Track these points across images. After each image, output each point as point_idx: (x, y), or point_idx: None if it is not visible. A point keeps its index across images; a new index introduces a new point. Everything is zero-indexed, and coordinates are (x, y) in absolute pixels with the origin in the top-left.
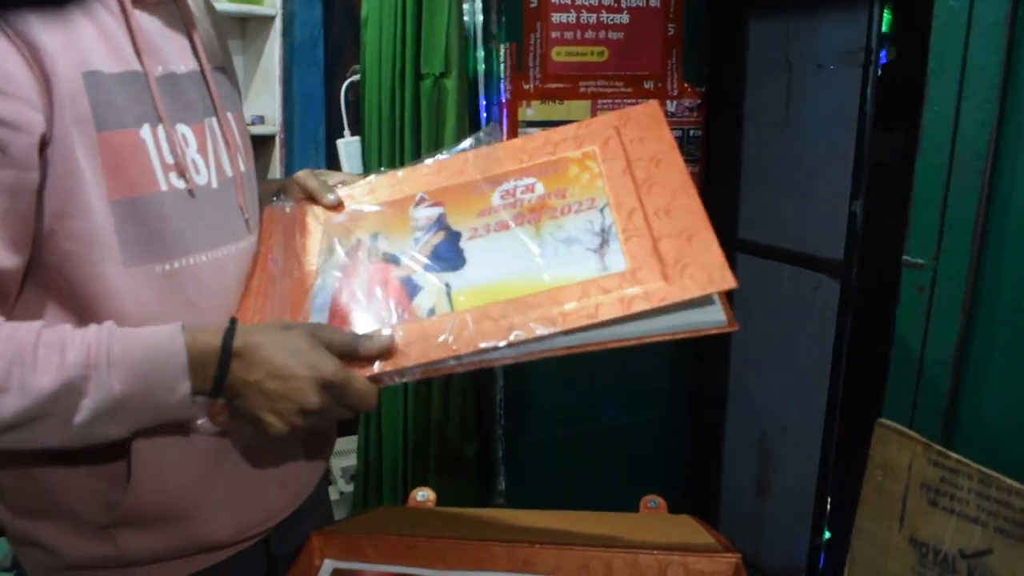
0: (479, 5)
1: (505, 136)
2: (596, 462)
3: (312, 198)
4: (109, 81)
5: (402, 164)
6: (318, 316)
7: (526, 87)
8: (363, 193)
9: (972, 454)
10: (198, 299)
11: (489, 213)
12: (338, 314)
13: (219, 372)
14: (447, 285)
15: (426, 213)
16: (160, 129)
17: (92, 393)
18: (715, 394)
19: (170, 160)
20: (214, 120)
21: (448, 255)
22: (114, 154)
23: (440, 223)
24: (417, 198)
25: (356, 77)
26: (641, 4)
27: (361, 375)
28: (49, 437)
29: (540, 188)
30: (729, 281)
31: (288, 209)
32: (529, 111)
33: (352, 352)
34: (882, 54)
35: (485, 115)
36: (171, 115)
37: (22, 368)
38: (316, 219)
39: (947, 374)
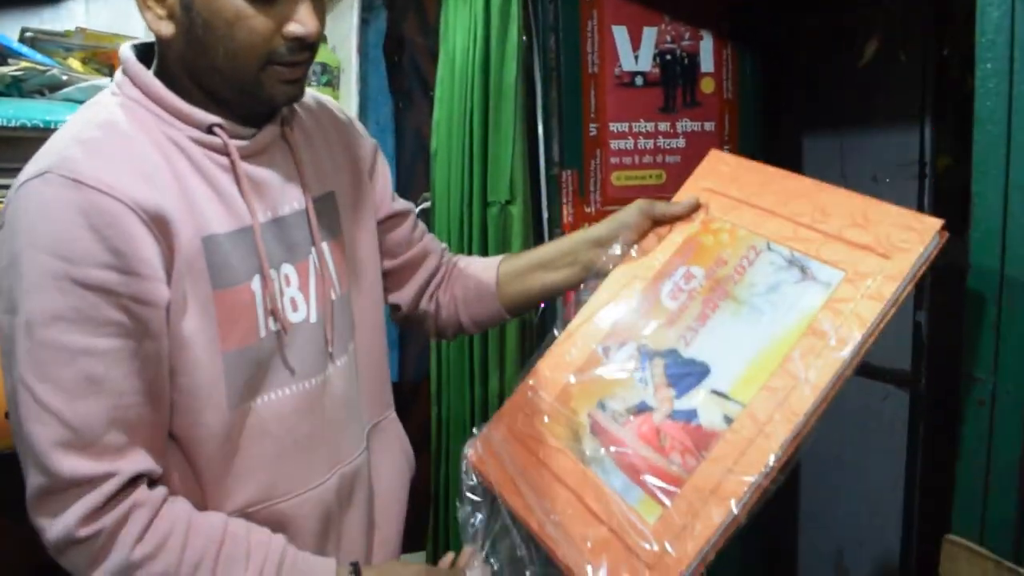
0: (541, 135)
1: None
2: None
3: (665, 221)
4: (224, 241)
5: None
6: (632, 497)
7: (587, 210)
8: (543, 387)
9: None
10: (278, 429)
11: (677, 319)
12: (646, 482)
13: None
14: (715, 392)
15: (625, 353)
16: (271, 275)
17: None
18: (788, 509)
19: (270, 306)
20: (315, 253)
21: (686, 371)
22: (229, 309)
23: (644, 353)
24: (600, 351)
25: (427, 204)
26: (696, 128)
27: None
28: None
29: (698, 271)
30: (933, 222)
31: (479, 439)
32: None
33: None
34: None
35: (548, 238)
36: (276, 258)
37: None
38: (516, 443)
39: (1013, 487)
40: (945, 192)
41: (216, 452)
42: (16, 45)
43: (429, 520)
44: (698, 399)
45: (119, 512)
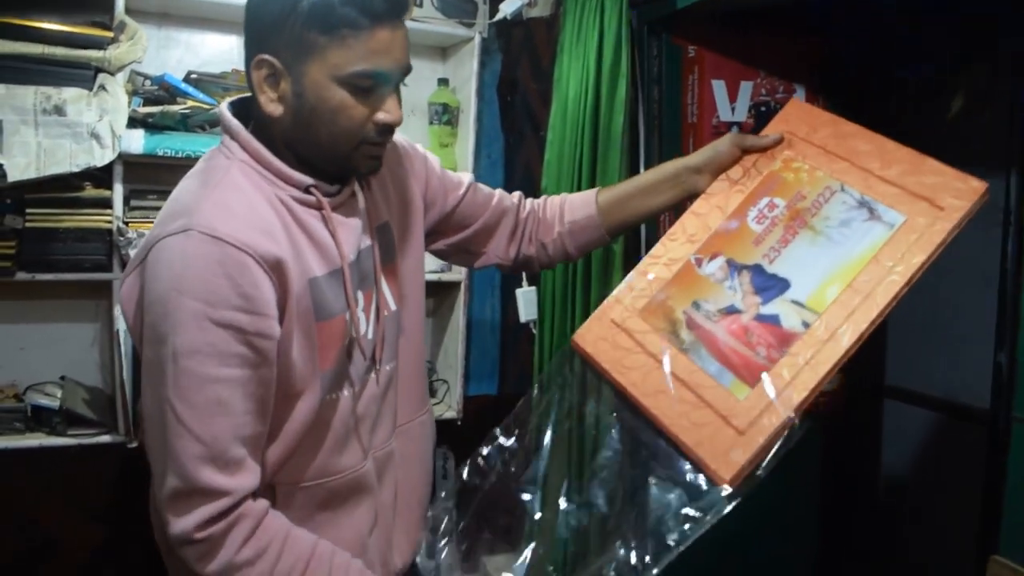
0: None
1: None
2: None
3: (753, 151)
4: (323, 281)
5: (574, 312)
6: (725, 380)
7: None
8: (640, 288)
9: None
10: (335, 422)
11: (762, 240)
12: (738, 367)
13: None
14: (794, 302)
15: (716, 265)
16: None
17: None
18: (865, 540)
19: (361, 331)
20: (376, 281)
21: (769, 283)
22: (327, 336)
23: (734, 265)
24: (693, 260)
25: None
26: None
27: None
28: None
29: (780, 201)
30: (980, 184)
31: (582, 329)
32: None
33: None
34: None
35: None
36: (353, 287)
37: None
38: (621, 331)
39: None
40: None
41: (294, 437)
42: (183, 85)
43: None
44: (780, 307)
45: (229, 521)
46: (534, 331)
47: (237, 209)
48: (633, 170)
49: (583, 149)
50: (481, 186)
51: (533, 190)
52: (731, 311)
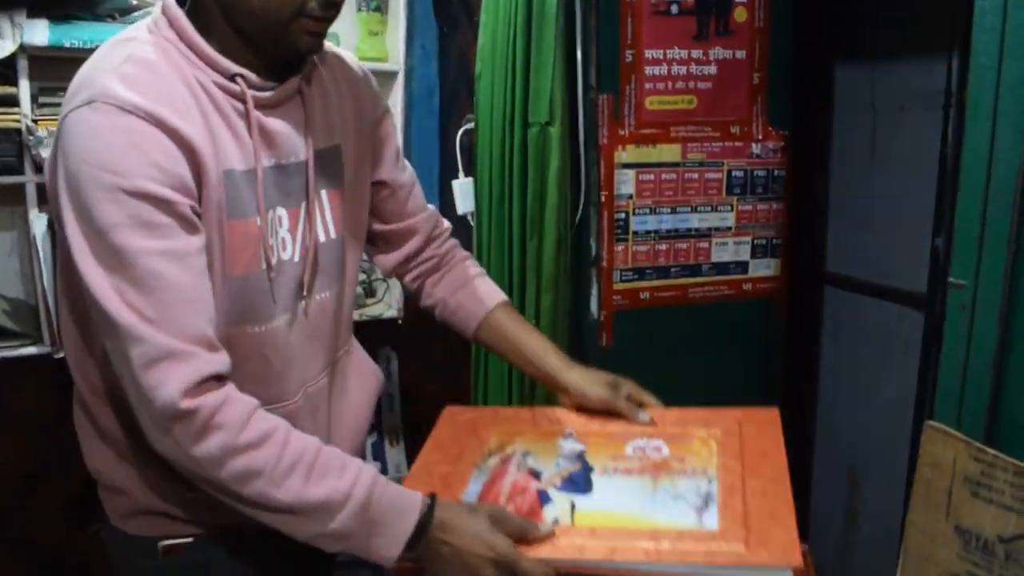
0: (580, 61)
1: (603, 173)
2: None
3: (616, 414)
4: (239, 177)
5: (511, 204)
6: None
7: (622, 133)
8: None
9: (1012, 451)
10: (257, 356)
11: (620, 459)
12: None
13: (414, 536)
14: (572, 504)
15: (571, 447)
16: (267, 216)
17: (341, 519)
18: (804, 424)
19: (270, 243)
20: (307, 202)
21: (580, 482)
22: (237, 238)
23: (580, 458)
24: (566, 432)
25: (470, 125)
26: (728, 56)
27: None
28: (299, 532)
29: (666, 450)
30: (797, 560)
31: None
32: (624, 154)
33: (523, 536)
34: None
35: (584, 158)
36: (272, 200)
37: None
38: (485, 427)
39: (988, 380)
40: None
41: None
42: None
43: None
44: (561, 498)
45: (217, 397)
46: (471, 223)
47: (145, 83)
48: (569, 53)
49: (516, 32)
50: (418, 192)
51: (467, 80)
52: (535, 474)
